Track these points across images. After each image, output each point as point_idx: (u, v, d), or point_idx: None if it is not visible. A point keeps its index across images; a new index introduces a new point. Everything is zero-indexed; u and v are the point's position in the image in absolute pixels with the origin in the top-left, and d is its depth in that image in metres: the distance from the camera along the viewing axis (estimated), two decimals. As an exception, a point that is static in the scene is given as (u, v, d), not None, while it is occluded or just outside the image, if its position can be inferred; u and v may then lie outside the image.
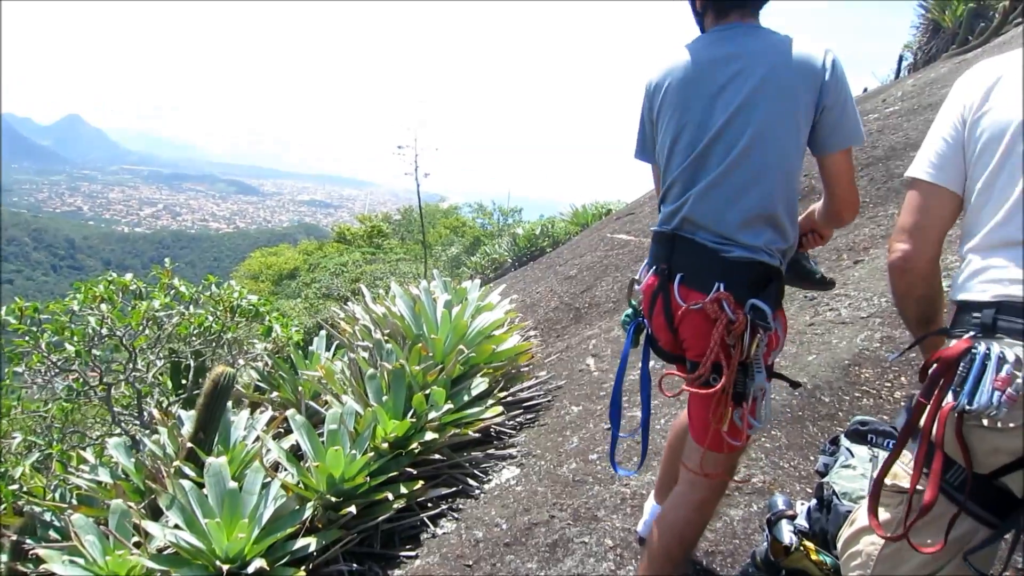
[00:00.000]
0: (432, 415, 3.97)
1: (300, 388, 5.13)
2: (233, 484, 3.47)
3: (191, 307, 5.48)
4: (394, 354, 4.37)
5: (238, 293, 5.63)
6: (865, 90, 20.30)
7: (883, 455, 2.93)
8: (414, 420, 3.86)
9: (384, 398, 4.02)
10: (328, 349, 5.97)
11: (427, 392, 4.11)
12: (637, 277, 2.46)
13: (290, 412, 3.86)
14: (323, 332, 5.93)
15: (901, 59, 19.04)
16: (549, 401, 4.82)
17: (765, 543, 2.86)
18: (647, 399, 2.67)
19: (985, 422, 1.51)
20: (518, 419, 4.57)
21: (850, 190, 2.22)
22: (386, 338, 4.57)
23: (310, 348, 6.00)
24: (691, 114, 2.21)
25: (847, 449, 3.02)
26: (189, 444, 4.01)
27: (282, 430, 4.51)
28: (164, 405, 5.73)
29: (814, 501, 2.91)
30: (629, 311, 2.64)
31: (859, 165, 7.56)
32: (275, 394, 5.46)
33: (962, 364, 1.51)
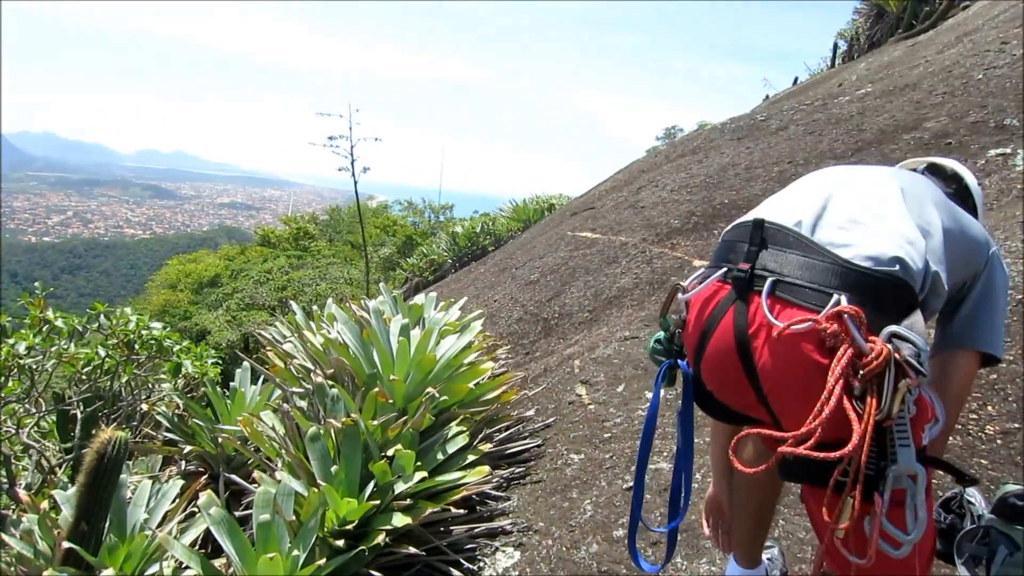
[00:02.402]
0: (399, 487, 2.95)
1: (221, 440, 4.06)
2: (121, 616, 2.40)
3: (71, 344, 4.29)
4: (342, 403, 3.33)
5: (135, 323, 4.46)
6: (796, 79, 20.11)
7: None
8: (377, 501, 2.83)
9: (333, 468, 2.98)
10: (255, 382, 4.89)
11: (389, 454, 3.10)
12: (684, 284, 1.74)
13: (203, 500, 2.79)
14: (246, 364, 4.84)
15: (836, 47, 18.86)
16: (540, 446, 3.85)
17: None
18: (685, 466, 1.90)
19: None
20: (503, 473, 3.59)
21: None
22: (329, 381, 3.51)
23: (231, 383, 4.90)
24: None
25: (1004, 536, 2.16)
26: (67, 544, 2.92)
27: (196, 510, 3.45)
28: (47, 468, 4.55)
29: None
30: (660, 336, 1.82)
31: (848, 151, 6.85)
32: (188, 448, 4.37)
33: None
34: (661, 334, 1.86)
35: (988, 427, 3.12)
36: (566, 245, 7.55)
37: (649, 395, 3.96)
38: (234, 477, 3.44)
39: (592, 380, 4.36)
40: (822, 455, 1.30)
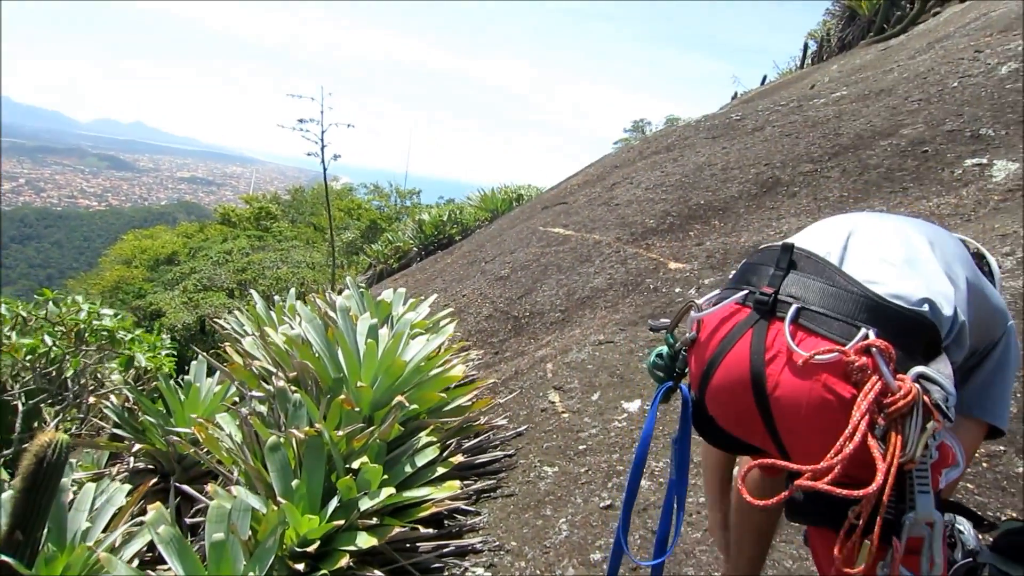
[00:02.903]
0: (365, 504, 2.77)
1: (173, 439, 3.84)
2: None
3: (14, 333, 4.01)
4: (305, 410, 3.13)
5: (86, 312, 4.19)
6: (764, 78, 20.20)
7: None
8: (341, 520, 2.65)
9: (294, 482, 2.79)
10: (212, 374, 4.67)
11: (354, 466, 2.92)
12: (699, 302, 1.65)
13: (151, 516, 2.57)
14: (202, 357, 4.61)
15: (806, 47, 18.95)
16: (511, 456, 3.69)
17: None
18: (678, 495, 1.85)
19: None
20: (473, 486, 3.43)
21: None
22: (291, 385, 3.31)
23: (186, 377, 4.67)
24: None
25: (1003, 575, 2.06)
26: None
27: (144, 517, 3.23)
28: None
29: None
30: (663, 351, 1.78)
31: (825, 155, 6.79)
32: (138, 446, 4.13)
33: None
34: (664, 349, 1.78)
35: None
36: (538, 240, 7.39)
37: (626, 405, 3.83)
38: (186, 488, 3.22)
39: (566, 386, 4.21)
40: (844, 492, 1.23)
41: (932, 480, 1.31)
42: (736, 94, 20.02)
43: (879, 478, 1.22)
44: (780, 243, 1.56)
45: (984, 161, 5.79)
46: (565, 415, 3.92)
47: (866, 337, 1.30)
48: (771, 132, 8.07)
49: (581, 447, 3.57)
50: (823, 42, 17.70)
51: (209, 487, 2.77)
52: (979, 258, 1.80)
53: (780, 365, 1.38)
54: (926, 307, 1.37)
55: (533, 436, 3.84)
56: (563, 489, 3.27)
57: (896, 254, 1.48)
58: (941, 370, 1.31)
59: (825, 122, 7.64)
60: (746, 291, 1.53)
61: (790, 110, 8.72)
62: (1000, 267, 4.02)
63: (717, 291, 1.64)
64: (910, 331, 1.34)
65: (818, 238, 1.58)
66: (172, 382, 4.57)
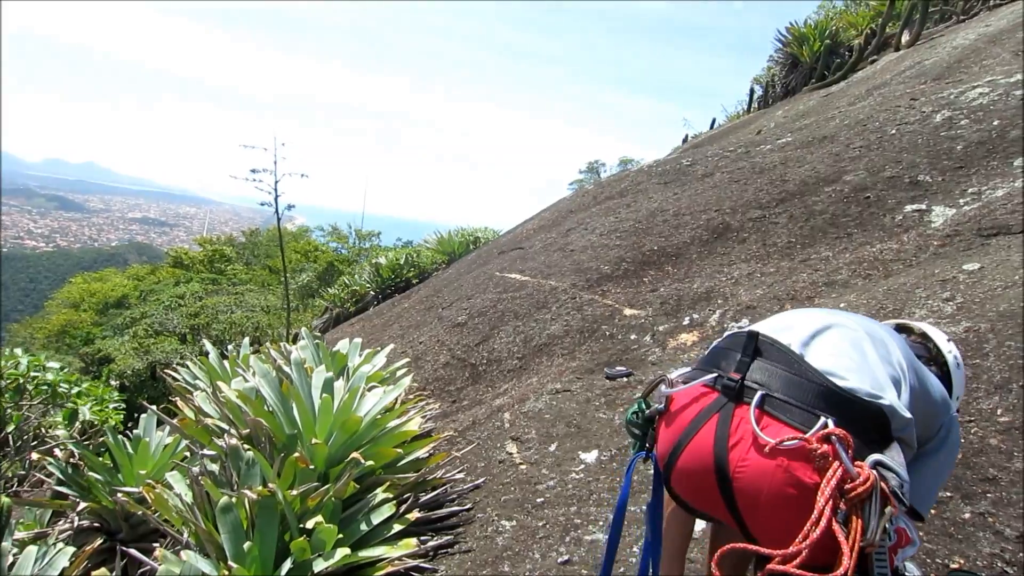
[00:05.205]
0: (319, 565, 2.72)
1: (121, 498, 3.73)
2: None
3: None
4: (258, 468, 3.07)
5: (25, 365, 4.08)
6: (713, 122, 20.75)
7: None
8: (294, 583, 2.60)
9: (246, 545, 2.73)
10: (161, 425, 4.56)
11: (308, 526, 2.87)
12: (671, 377, 1.74)
13: (95, 584, 2.50)
14: (152, 410, 4.50)
15: (752, 92, 19.51)
16: (469, 510, 3.66)
17: None
18: (653, 557, 1.90)
19: None
20: (430, 543, 3.39)
21: None
22: (244, 442, 3.25)
23: (135, 431, 4.56)
24: None
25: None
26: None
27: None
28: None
29: None
30: (639, 409, 1.84)
31: (772, 201, 6.98)
32: (84, 505, 4.01)
33: None
34: (640, 405, 1.85)
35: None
36: (494, 286, 7.41)
37: (583, 455, 3.84)
38: (133, 551, 3.12)
39: (523, 437, 4.21)
40: None
41: (889, 560, 1.38)
42: (687, 137, 20.51)
43: (845, 562, 1.27)
44: (747, 330, 1.66)
45: (923, 207, 6.00)
46: (523, 467, 3.92)
47: (826, 426, 1.38)
48: (720, 178, 8.28)
49: (539, 500, 3.56)
50: (768, 87, 18.24)
51: (157, 551, 2.70)
52: (924, 339, 1.90)
53: (743, 450, 1.45)
54: (883, 399, 1.45)
55: (491, 489, 3.82)
56: (521, 544, 3.25)
57: (855, 353, 1.57)
58: (895, 458, 1.40)
59: (772, 168, 7.86)
60: (715, 374, 1.61)
61: (738, 156, 8.96)
62: (940, 312, 4.17)
63: (687, 369, 1.72)
64: (864, 420, 1.43)
65: (784, 326, 1.68)
66: (120, 436, 4.46)
